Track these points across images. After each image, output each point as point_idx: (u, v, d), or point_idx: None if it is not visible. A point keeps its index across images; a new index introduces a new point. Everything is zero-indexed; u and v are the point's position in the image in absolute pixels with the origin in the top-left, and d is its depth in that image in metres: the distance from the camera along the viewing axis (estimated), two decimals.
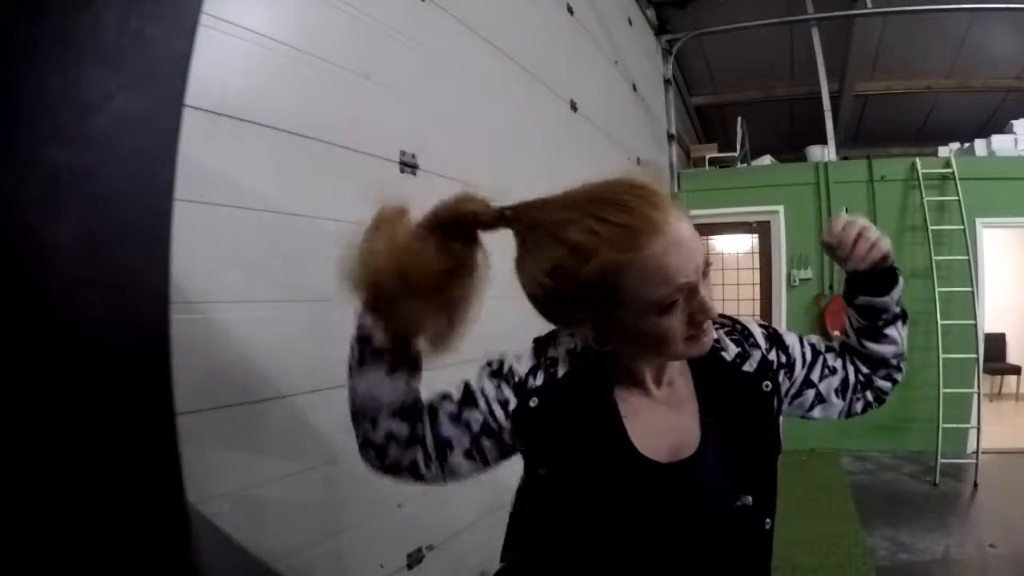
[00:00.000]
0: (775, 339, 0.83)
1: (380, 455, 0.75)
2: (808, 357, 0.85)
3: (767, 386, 0.77)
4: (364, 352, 0.73)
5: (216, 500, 1.05)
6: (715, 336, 0.75)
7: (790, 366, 0.83)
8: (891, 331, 0.89)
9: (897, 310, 0.90)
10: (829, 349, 0.91)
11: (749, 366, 0.78)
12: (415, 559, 1.59)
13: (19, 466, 0.53)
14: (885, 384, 0.90)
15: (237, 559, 0.65)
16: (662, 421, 0.74)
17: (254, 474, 1.14)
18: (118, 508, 0.62)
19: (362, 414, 0.75)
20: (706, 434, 0.73)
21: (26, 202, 0.48)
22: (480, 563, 1.75)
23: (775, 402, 0.79)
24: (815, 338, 0.91)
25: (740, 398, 0.76)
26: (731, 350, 0.78)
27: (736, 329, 0.82)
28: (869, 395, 0.90)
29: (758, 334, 0.81)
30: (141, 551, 0.59)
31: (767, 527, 0.76)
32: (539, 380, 0.74)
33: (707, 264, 0.68)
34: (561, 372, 0.74)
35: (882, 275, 0.90)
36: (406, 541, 1.58)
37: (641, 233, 0.62)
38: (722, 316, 0.81)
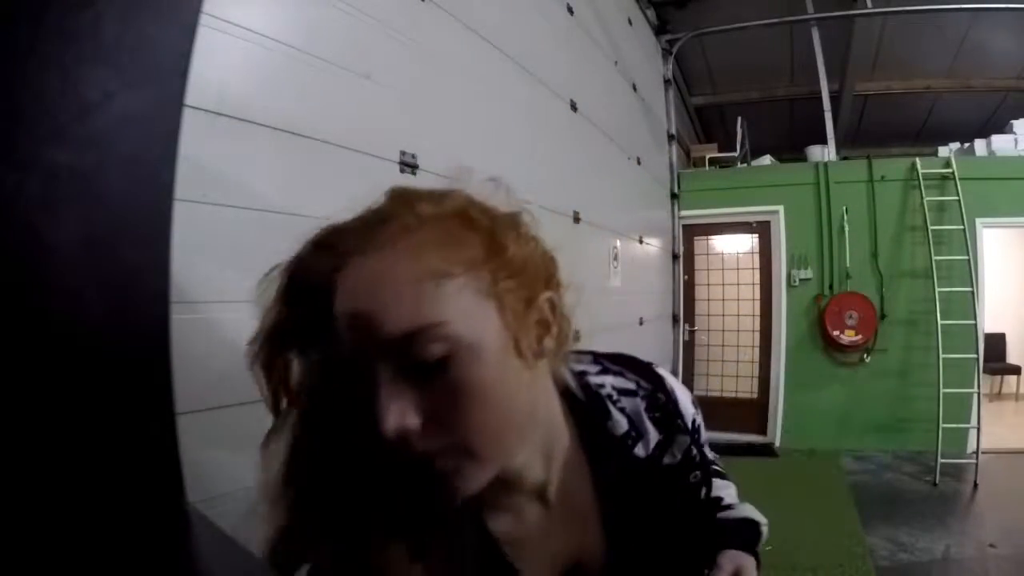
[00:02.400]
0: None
1: None
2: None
3: (696, 476, 0.59)
4: None
5: (216, 500, 1.05)
6: (626, 424, 0.57)
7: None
8: None
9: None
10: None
11: (671, 456, 0.58)
12: None
13: (19, 466, 0.53)
14: None
15: (237, 559, 0.65)
16: (556, 540, 0.53)
17: (254, 474, 1.14)
18: (118, 508, 0.62)
19: None
20: (615, 549, 0.54)
21: (26, 202, 0.48)
22: None
23: (703, 492, 0.61)
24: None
25: (662, 503, 0.57)
26: (650, 437, 0.57)
27: (657, 402, 0.60)
28: None
29: (684, 404, 0.62)
30: (141, 551, 0.59)
31: None
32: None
33: (423, 328, 0.39)
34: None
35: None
36: None
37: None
38: (631, 367, 0.62)
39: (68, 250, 0.55)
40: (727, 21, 5.19)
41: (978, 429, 4.07)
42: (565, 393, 0.55)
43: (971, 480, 3.84)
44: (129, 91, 0.57)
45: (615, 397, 0.58)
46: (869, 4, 4.92)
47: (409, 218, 0.42)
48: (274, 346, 0.43)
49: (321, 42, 1.37)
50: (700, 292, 5.36)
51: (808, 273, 4.85)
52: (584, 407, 0.56)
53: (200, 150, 1.06)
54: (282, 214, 1.24)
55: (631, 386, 0.59)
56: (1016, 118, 4.84)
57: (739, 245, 5.27)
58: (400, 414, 0.39)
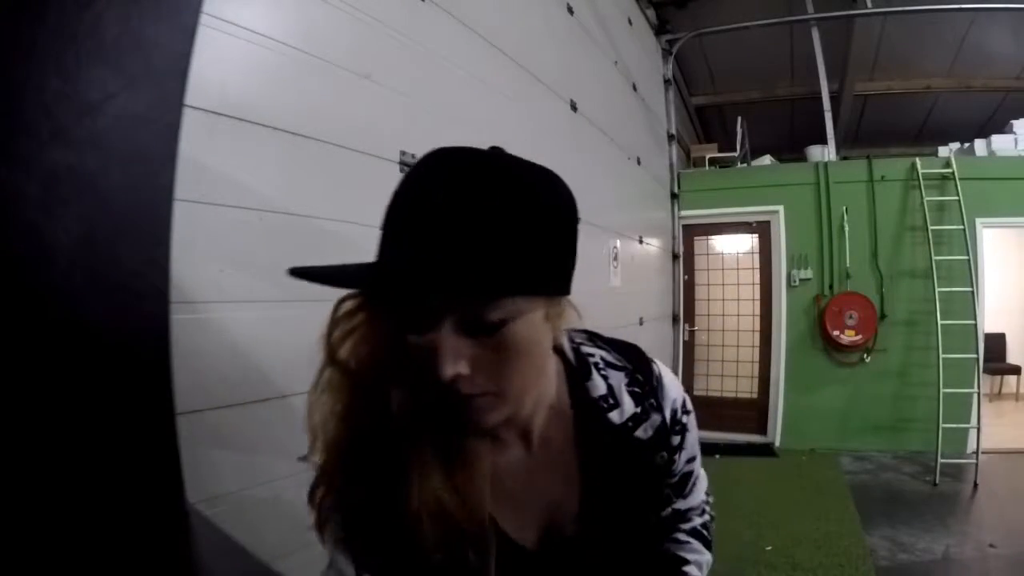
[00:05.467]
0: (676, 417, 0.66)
1: None
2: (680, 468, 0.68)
3: (662, 457, 0.64)
4: None
5: (216, 500, 1.05)
6: (604, 388, 0.62)
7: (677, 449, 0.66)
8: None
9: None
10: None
11: (643, 431, 0.62)
12: None
13: (19, 465, 0.53)
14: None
15: (237, 559, 0.65)
16: (534, 492, 0.60)
17: (254, 474, 1.14)
18: (118, 508, 0.62)
19: None
20: (589, 511, 0.60)
21: (26, 202, 0.48)
22: None
23: (669, 475, 0.66)
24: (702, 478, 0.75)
25: (628, 470, 0.62)
26: (625, 407, 0.62)
27: (638, 379, 0.64)
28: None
29: (668, 393, 0.65)
30: (141, 551, 0.59)
31: None
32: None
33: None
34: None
35: None
36: None
37: None
38: (625, 350, 0.67)
39: (68, 250, 0.55)
40: (727, 21, 5.19)
41: (978, 429, 4.07)
42: (562, 357, 0.63)
43: (971, 480, 3.84)
44: (129, 91, 0.57)
45: (601, 365, 0.64)
46: (869, 4, 4.92)
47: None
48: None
49: (321, 42, 1.37)
50: (700, 292, 5.36)
51: (808, 273, 4.85)
52: (572, 368, 0.63)
53: (200, 150, 1.06)
54: (282, 214, 1.24)
55: (617, 361, 0.65)
56: (1016, 118, 4.84)
57: (739, 245, 5.27)
58: (456, 362, 0.46)
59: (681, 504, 0.71)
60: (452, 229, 0.45)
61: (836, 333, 4.67)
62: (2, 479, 0.50)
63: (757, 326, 5.11)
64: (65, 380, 0.58)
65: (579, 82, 3.09)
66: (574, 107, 3.00)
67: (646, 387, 0.64)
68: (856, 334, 4.63)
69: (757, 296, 5.12)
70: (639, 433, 0.62)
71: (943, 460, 3.91)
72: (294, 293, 1.27)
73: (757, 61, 6.22)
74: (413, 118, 1.68)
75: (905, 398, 4.55)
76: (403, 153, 1.62)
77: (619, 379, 0.63)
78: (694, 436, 0.68)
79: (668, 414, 0.64)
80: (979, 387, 4.22)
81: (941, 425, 4.02)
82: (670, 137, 5.20)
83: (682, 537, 0.72)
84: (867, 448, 4.56)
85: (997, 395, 6.32)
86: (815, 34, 5.48)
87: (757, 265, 5.13)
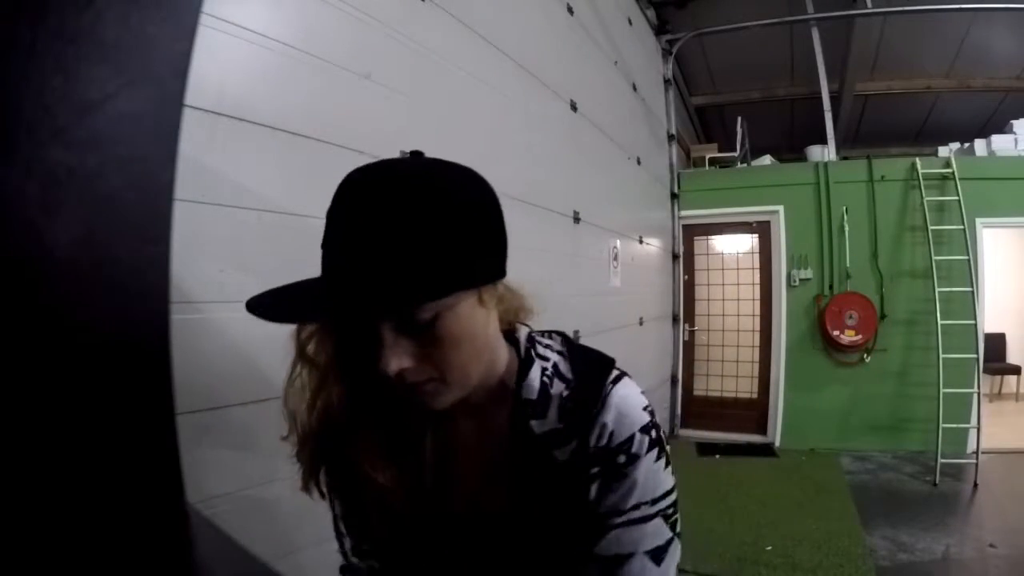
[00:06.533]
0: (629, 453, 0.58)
1: None
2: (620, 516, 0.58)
3: (571, 486, 0.59)
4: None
5: (216, 500, 1.05)
6: (535, 394, 0.61)
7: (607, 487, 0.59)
8: None
9: None
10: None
11: (561, 452, 0.59)
12: None
13: (19, 465, 0.53)
14: None
15: (237, 559, 0.65)
16: (468, 457, 0.64)
17: (254, 474, 1.14)
18: (118, 508, 0.62)
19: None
20: (508, 495, 0.60)
21: (26, 202, 0.48)
22: None
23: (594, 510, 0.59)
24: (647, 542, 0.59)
25: (541, 481, 0.60)
26: (548, 420, 0.60)
27: (577, 399, 0.60)
28: None
29: (611, 419, 0.59)
30: (141, 551, 0.59)
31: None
32: None
33: None
34: None
35: None
36: None
37: None
38: (586, 365, 0.63)
39: (68, 250, 0.55)
40: (727, 21, 5.20)
41: (978, 429, 4.07)
42: (515, 347, 0.65)
43: (971, 480, 3.84)
44: (129, 91, 0.57)
45: (548, 371, 0.63)
46: (869, 4, 4.92)
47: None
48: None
49: (321, 42, 1.37)
50: (700, 292, 5.36)
51: (808, 273, 4.85)
52: (520, 362, 0.64)
53: (200, 150, 1.06)
54: (282, 214, 1.24)
55: (567, 373, 0.63)
56: (1016, 118, 4.84)
57: (739, 245, 5.28)
58: (399, 359, 0.53)
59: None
60: (362, 251, 0.51)
61: (836, 333, 4.67)
62: (1, 479, 0.50)
63: (757, 326, 5.11)
64: (65, 380, 0.58)
65: (579, 82, 3.09)
66: (574, 107, 3.00)
67: (580, 408, 0.59)
68: (856, 334, 4.63)
69: (757, 296, 5.12)
70: (557, 452, 0.59)
71: (943, 460, 3.91)
72: None
73: (757, 61, 6.22)
74: (413, 118, 1.68)
75: (905, 398, 4.55)
76: (403, 153, 1.62)
77: (559, 390, 0.61)
78: (644, 485, 0.58)
79: (595, 441, 0.58)
80: (979, 387, 4.22)
81: (941, 425, 4.02)
82: (670, 137, 5.20)
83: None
84: (867, 448, 4.56)
85: (997, 395, 6.32)
86: (815, 34, 5.48)
87: (757, 265, 5.13)
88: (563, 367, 0.63)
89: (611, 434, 0.58)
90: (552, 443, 0.60)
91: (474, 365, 0.57)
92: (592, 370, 0.62)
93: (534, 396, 0.61)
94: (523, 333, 0.66)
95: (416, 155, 0.57)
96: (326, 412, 0.60)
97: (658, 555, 0.58)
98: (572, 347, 0.66)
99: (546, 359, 0.64)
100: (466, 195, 0.55)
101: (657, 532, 0.58)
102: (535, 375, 0.62)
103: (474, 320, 0.56)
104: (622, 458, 0.58)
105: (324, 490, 0.65)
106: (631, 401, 0.60)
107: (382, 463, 0.60)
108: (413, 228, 0.50)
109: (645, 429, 0.59)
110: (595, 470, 0.58)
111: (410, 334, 0.53)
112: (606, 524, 0.58)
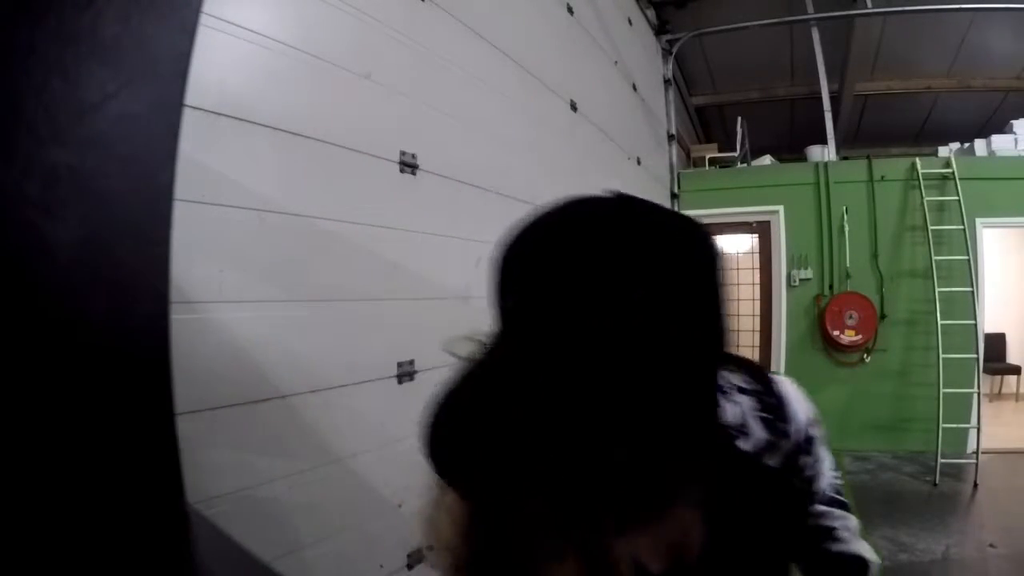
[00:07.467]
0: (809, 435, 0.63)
1: None
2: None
3: (799, 482, 0.61)
4: None
5: (216, 500, 1.05)
6: (734, 415, 0.58)
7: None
8: None
9: None
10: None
11: (774, 459, 0.59)
12: (415, 559, 1.59)
13: (18, 466, 0.53)
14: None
15: (237, 559, 0.65)
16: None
17: (254, 474, 1.14)
18: (118, 508, 0.62)
19: None
20: (715, 532, 0.55)
21: (26, 202, 0.48)
22: None
23: (806, 502, 0.63)
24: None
25: (759, 500, 0.57)
26: (755, 436, 0.58)
27: (765, 403, 0.60)
28: None
29: (795, 414, 0.61)
30: (141, 551, 0.59)
31: None
32: None
33: None
34: None
35: None
36: (406, 541, 1.58)
37: None
38: (750, 371, 0.62)
39: (68, 250, 0.55)
40: (727, 21, 5.20)
41: (978, 429, 4.07)
42: None
43: (971, 480, 3.84)
44: (129, 91, 0.57)
45: (727, 389, 0.59)
46: (869, 4, 4.92)
47: None
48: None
49: (321, 42, 1.37)
50: None
51: (808, 273, 4.85)
52: None
53: (200, 150, 1.06)
54: (282, 214, 1.24)
55: (745, 385, 0.61)
56: (1016, 118, 4.84)
57: (739, 245, 5.27)
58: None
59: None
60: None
61: (836, 333, 4.67)
62: (2, 480, 0.50)
63: (757, 326, 5.11)
64: (64, 380, 0.58)
65: (579, 82, 3.09)
66: (574, 107, 3.00)
67: (776, 412, 0.59)
68: (856, 334, 4.63)
69: (757, 296, 5.11)
70: (769, 461, 0.58)
71: (943, 460, 3.91)
72: (294, 293, 1.27)
73: (757, 61, 6.22)
74: (413, 118, 1.68)
75: (905, 398, 4.55)
76: (403, 153, 1.62)
77: (748, 404, 0.59)
78: (822, 444, 0.64)
79: (798, 437, 0.60)
80: (979, 387, 4.23)
81: (941, 425, 4.02)
82: (670, 137, 5.20)
83: (821, 509, 0.68)
84: (867, 448, 4.56)
85: (997, 395, 6.31)
86: (815, 34, 5.48)
87: (757, 265, 5.13)
88: (736, 379, 0.61)
89: (803, 421, 0.61)
90: (765, 455, 0.58)
91: None
92: (758, 373, 0.62)
93: (734, 418, 0.57)
94: None
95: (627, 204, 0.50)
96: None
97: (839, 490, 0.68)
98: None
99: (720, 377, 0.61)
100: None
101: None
102: (723, 399, 0.57)
103: None
104: (813, 431, 0.62)
105: None
106: (789, 384, 0.64)
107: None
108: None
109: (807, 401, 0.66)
110: (809, 459, 0.62)
111: None
112: (815, 494, 0.64)
